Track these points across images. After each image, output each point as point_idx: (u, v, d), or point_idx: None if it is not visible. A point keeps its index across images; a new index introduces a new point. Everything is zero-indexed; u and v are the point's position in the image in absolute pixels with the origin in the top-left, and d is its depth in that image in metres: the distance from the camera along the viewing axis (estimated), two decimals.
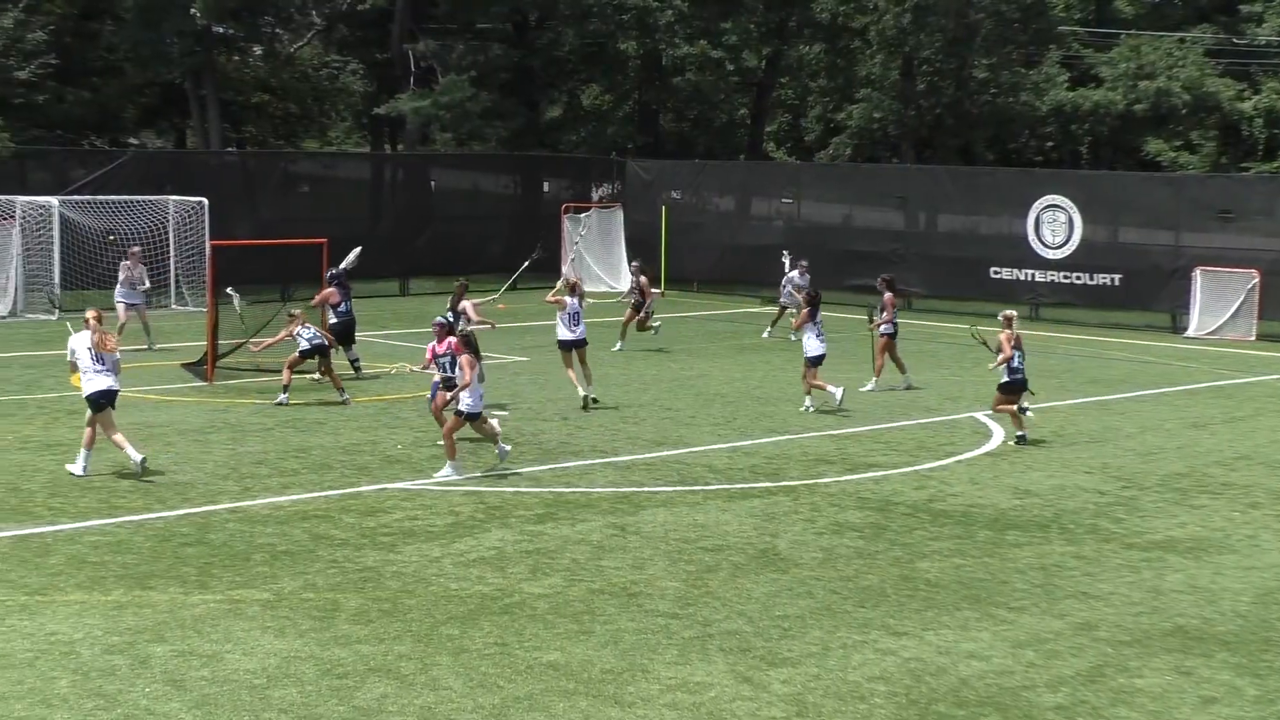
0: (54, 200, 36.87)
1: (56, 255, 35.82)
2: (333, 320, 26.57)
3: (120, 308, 30.24)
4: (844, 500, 18.15)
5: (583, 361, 24.52)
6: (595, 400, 24.16)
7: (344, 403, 23.86)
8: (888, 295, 26.82)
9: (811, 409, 24.04)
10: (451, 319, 22.63)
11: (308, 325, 24.58)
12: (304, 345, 24.29)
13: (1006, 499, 18.44)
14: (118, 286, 30.74)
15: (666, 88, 58.01)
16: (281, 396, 23.78)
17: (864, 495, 18.44)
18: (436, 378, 20.83)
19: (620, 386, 26.25)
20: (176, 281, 38.05)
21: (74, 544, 15.28)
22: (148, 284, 31.41)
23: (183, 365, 26.71)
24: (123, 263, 31.03)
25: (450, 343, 20.78)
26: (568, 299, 24.56)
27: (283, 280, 33.46)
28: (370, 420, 22.65)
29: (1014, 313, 23.20)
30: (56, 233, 35.99)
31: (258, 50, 60.87)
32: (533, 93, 56.76)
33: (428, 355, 21.20)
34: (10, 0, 49.95)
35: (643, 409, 24.29)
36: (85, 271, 36.46)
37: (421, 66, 52.70)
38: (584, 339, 24.67)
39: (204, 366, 25.94)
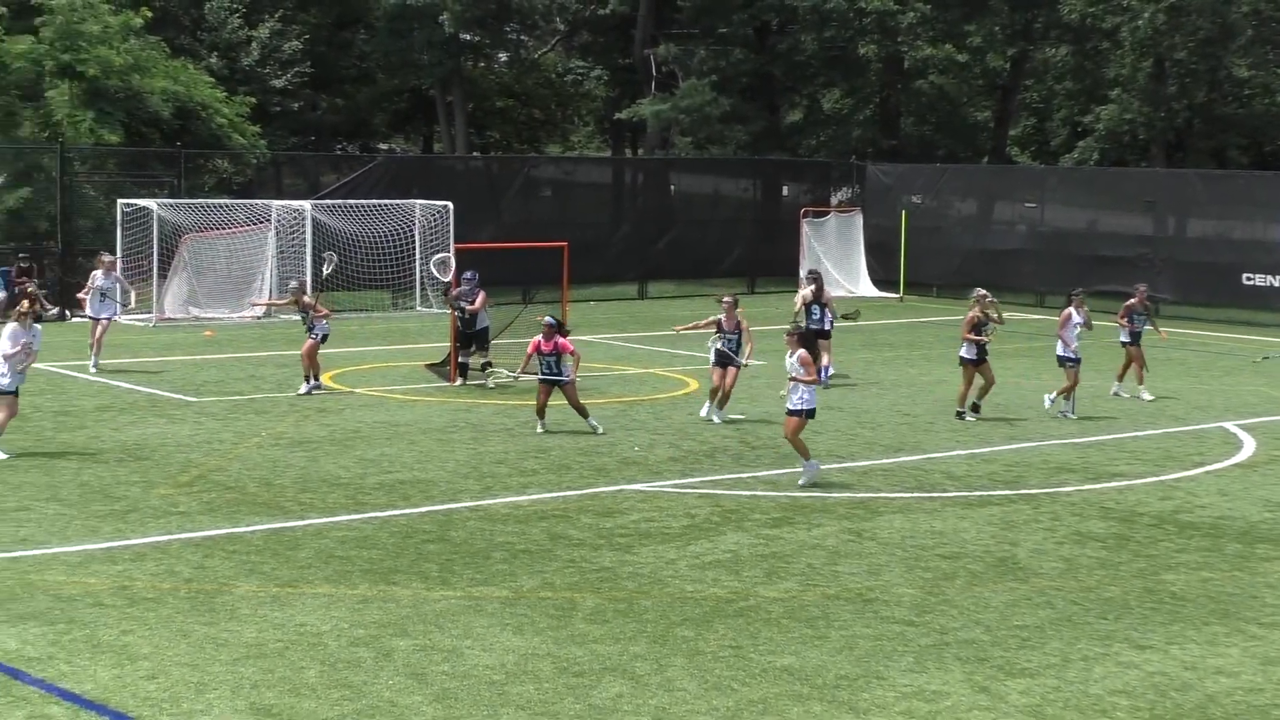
0: (307, 204, 37.97)
1: (308, 258, 36.86)
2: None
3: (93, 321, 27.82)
4: (1086, 510, 17.80)
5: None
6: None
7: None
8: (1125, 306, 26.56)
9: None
10: (556, 320, 22.40)
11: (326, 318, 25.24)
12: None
13: (1257, 511, 17.89)
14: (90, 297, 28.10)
15: (908, 91, 57.48)
16: (305, 386, 24.68)
17: (1107, 505, 18.06)
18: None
19: (858, 392, 26.09)
20: (421, 284, 38.87)
21: (322, 538, 15.71)
22: (128, 298, 29.65)
23: (426, 366, 27.28)
24: (94, 272, 28.53)
25: (557, 341, 21.38)
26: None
27: (524, 283, 33.97)
28: (608, 422, 22.86)
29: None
30: (309, 235, 37.04)
31: (503, 57, 61.97)
32: (773, 97, 56.77)
33: (529, 350, 21.98)
34: (267, 11, 51.64)
35: (880, 414, 24.13)
36: (335, 273, 37.38)
37: (663, 71, 53.07)
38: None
39: (447, 367, 26.47)
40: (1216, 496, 18.66)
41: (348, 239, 37.29)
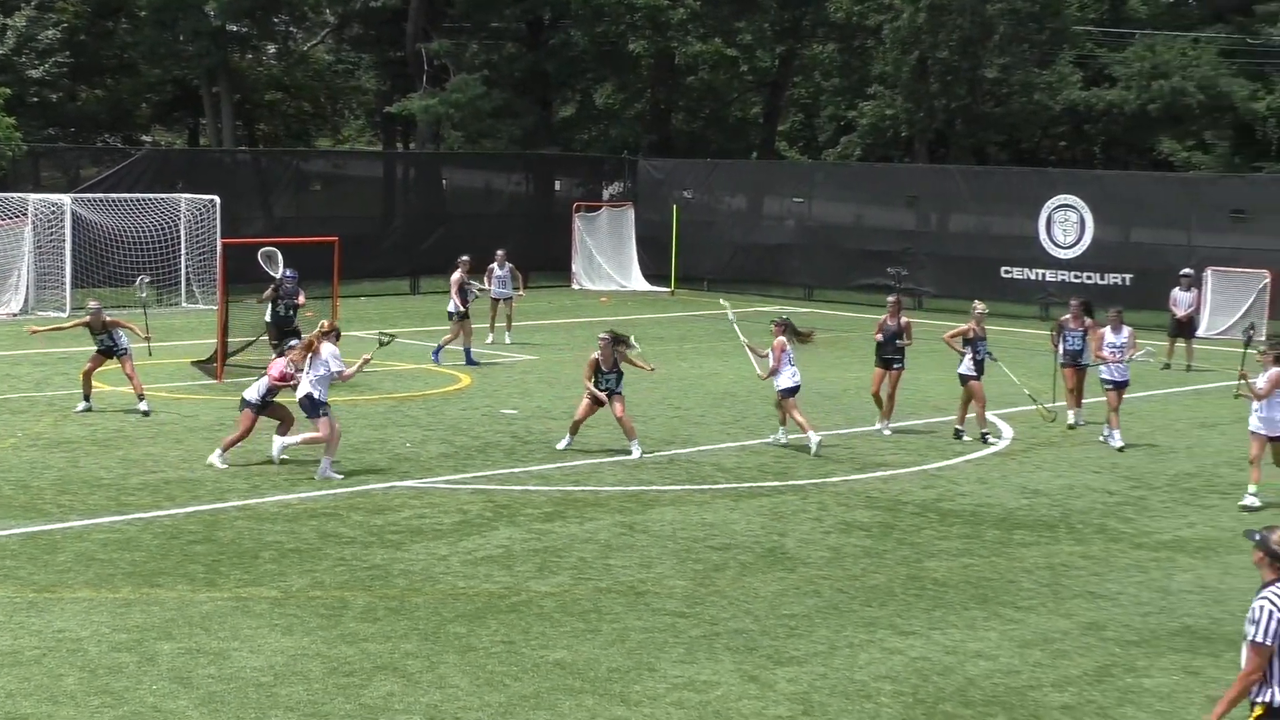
0: (66, 198, 36.93)
1: (68, 253, 35.90)
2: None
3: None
4: (852, 499, 18.15)
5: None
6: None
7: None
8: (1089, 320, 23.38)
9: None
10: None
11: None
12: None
13: (1014, 498, 18.43)
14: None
15: (679, 87, 57.98)
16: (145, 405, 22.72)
17: (872, 494, 18.44)
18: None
19: (629, 385, 26.20)
20: (187, 279, 38.13)
21: (83, 541, 15.31)
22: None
23: (193, 363, 26.77)
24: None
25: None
26: None
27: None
28: (379, 419, 22.68)
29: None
30: (68, 231, 36.05)
31: (271, 48, 60.98)
32: (545, 91, 56.77)
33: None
34: None
35: (652, 408, 24.29)
36: (96, 269, 36.54)
37: (435, 65, 52.74)
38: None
39: (214, 364, 26.02)
40: (976, 485, 19.18)
41: (110, 234, 36.40)
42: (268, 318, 26.22)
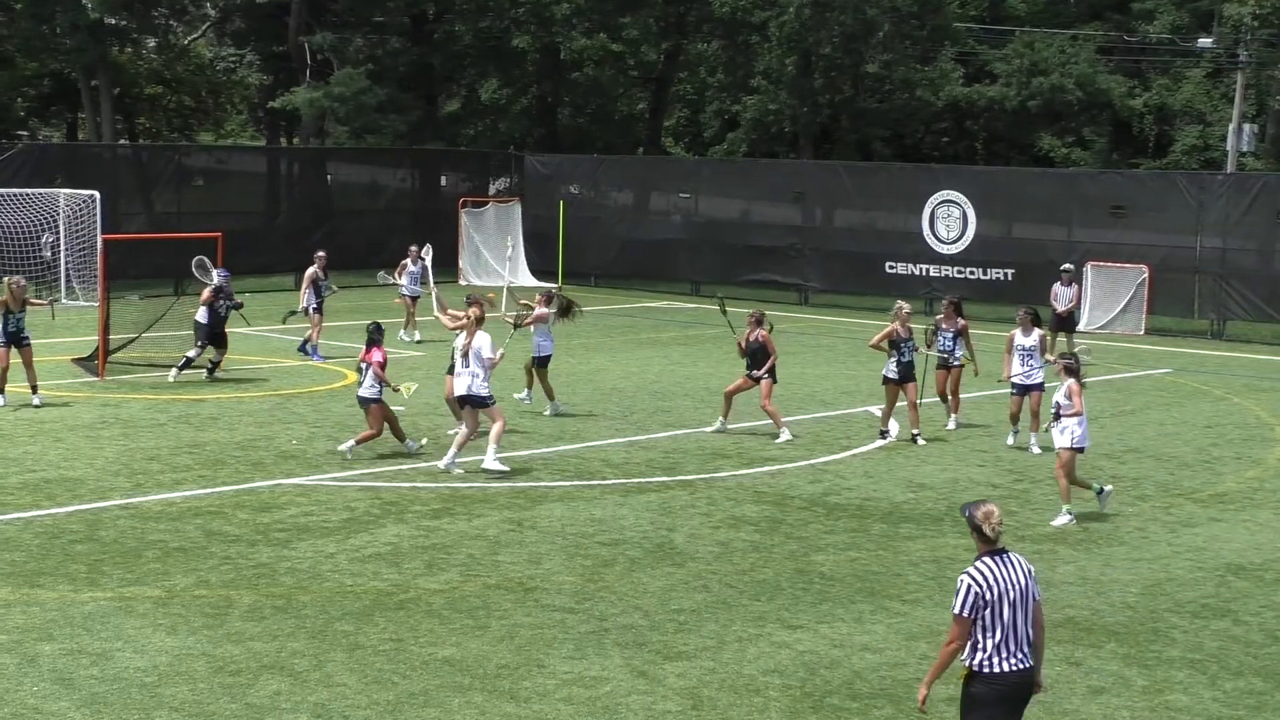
0: None
1: None
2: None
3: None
4: (740, 494, 18.23)
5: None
6: None
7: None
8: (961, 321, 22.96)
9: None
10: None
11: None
12: None
13: (901, 492, 18.60)
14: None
15: (564, 82, 57.96)
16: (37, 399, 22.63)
17: (760, 489, 18.54)
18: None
19: (517, 382, 26.18)
20: (67, 276, 37.54)
21: None
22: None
23: (74, 360, 26.39)
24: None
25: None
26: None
27: (177, 275, 33.06)
28: (265, 415, 22.48)
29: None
30: None
31: (151, 42, 60.18)
32: (431, 86, 56.52)
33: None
34: None
35: (539, 404, 24.25)
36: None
37: (318, 59, 52.31)
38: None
39: (95, 361, 25.66)
40: (863, 479, 19.34)
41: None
42: (202, 319, 25.74)
